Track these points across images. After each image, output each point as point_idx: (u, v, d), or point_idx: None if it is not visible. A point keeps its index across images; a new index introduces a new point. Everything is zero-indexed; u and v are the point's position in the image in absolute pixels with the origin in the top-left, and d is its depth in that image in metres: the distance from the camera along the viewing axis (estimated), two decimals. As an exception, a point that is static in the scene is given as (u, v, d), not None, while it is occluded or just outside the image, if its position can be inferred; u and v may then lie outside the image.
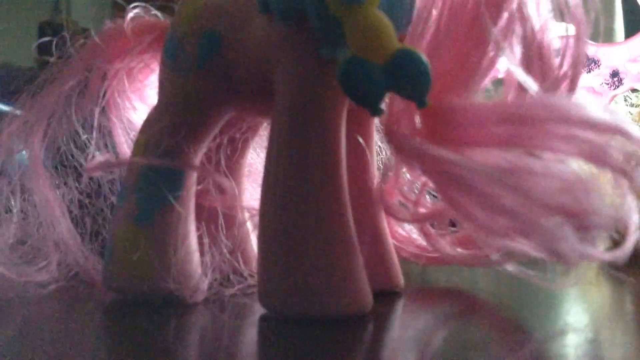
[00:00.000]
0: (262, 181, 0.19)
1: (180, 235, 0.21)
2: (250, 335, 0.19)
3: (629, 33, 0.57)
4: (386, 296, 0.22)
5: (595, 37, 0.47)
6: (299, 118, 0.19)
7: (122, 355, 0.16)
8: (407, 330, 0.20)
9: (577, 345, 0.17)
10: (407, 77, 0.17)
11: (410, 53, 0.17)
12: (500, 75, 0.23)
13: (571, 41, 0.19)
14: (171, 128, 0.20)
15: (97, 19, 0.28)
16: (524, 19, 0.19)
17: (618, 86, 0.43)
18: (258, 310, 0.19)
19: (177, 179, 0.21)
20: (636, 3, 0.49)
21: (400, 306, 0.23)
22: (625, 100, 0.41)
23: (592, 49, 0.45)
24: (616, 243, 0.18)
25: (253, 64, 0.20)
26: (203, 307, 0.20)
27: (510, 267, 0.21)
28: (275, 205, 0.18)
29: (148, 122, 0.21)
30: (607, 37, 0.59)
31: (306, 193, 0.18)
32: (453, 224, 0.23)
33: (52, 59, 0.25)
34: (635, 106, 0.40)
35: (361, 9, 0.16)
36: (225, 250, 0.21)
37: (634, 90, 0.43)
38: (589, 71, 0.43)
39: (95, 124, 0.25)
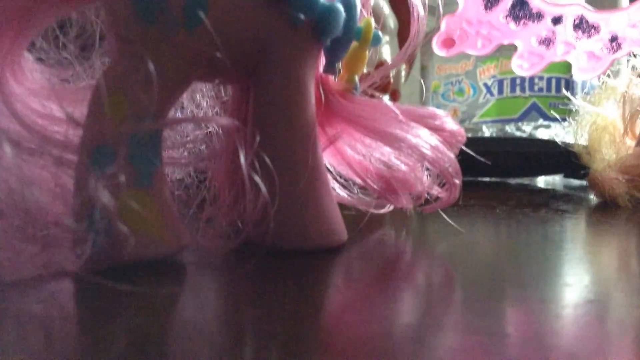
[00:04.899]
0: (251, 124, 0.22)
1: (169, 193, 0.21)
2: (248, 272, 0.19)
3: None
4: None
5: (597, 5, 0.47)
6: (292, 89, 0.22)
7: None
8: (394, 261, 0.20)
9: (576, 305, 0.17)
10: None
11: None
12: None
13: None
14: (150, 87, 0.19)
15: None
16: None
17: (617, 50, 0.43)
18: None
19: (158, 139, 0.20)
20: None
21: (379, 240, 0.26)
22: (628, 62, 0.41)
23: (593, 16, 0.46)
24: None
25: (240, 28, 0.21)
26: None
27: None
28: (266, 149, 0.21)
29: (119, 80, 0.19)
30: (610, 5, 0.59)
31: (295, 141, 0.22)
32: None
33: None
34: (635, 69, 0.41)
35: None
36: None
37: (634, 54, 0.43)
38: (589, 37, 0.43)
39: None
